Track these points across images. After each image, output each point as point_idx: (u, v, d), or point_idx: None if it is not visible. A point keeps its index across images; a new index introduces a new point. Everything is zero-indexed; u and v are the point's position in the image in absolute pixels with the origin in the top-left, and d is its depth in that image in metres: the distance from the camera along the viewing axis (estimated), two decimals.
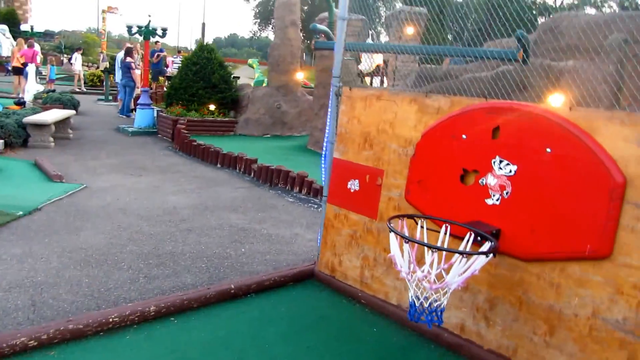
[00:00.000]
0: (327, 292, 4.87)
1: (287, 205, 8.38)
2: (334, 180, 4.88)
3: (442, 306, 3.27)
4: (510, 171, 3.42)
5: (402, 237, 3.10)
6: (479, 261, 3.14)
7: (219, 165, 11.43)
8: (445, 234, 3.49)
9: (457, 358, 3.83)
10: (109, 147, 13.05)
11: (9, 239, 6.06)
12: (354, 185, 4.65)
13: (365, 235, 4.59)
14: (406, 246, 3.12)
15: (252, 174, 10.39)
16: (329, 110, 4.85)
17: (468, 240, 3.42)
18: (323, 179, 5.27)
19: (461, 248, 3.42)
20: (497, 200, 3.53)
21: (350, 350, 3.86)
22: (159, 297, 4.47)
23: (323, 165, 5.17)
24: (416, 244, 3.13)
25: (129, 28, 15.07)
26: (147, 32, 14.96)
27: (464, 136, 3.68)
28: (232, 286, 4.64)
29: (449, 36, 7.88)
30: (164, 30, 15.20)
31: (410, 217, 3.63)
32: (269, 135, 15.04)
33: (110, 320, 3.97)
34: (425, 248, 3.15)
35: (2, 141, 11.16)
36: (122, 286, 4.86)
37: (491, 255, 3.12)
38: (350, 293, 4.74)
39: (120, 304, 4.47)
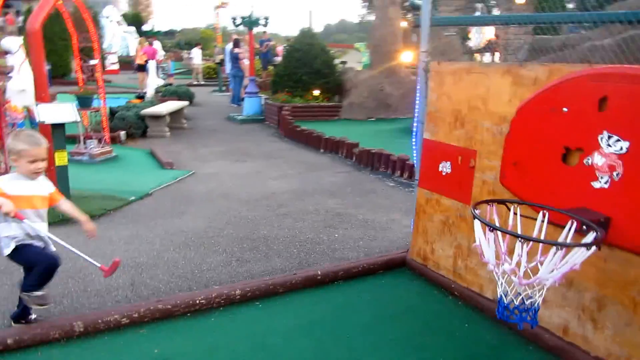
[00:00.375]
0: (418, 282, 4.61)
1: (387, 189, 8.14)
2: (425, 162, 4.58)
3: (536, 305, 2.90)
4: (621, 149, 2.93)
5: (486, 224, 2.77)
6: (580, 254, 2.72)
7: (321, 150, 11.43)
8: (543, 221, 3.08)
9: None
10: (218, 135, 13.61)
11: (120, 222, 6.47)
12: (445, 167, 4.32)
13: (458, 222, 4.26)
14: (491, 235, 2.79)
15: (354, 158, 10.25)
16: (418, 87, 4.55)
17: (570, 230, 3.00)
18: (414, 161, 4.98)
19: (561, 238, 3.00)
20: (605, 183, 3.05)
21: (437, 345, 3.60)
22: (245, 281, 4.49)
23: (414, 147, 4.88)
24: (507, 234, 2.78)
25: (233, 20, 15.57)
26: (250, 22, 15.34)
27: (565, 109, 3.23)
28: (319, 272, 4.54)
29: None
30: (267, 19, 15.48)
31: (500, 202, 3.26)
32: (373, 119, 14.80)
33: (197, 302, 4.05)
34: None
35: (124, 132, 12.07)
36: (214, 269, 4.96)
37: (594, 248, 2.69)
38: (443, 284, 4.44)
39: (210, 286, 4.56)
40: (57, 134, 6.22)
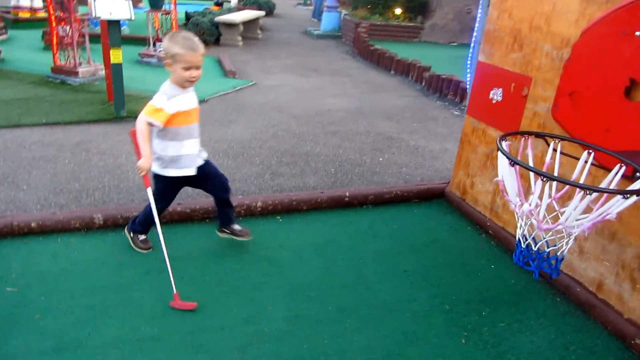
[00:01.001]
0: (453, 216, 4.29)
1: (450, 118, 7.64)
2: (476, 88, 4.12)
3: (561, 254, 2.55)
4: None
5: (507, 157, 2.40)
6: (618, 203, 2.31)
7: (392, 72, 10.90)
8: (587, 162, 2.66)
9: (585, 320, 3.07)
10: (291, 48, 13.30)
11: None
12: (496, 95, 3.86)
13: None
14: (513, 170, 2.42)
15: (423, 82, 9.68)
16: (480, 4, 4.01)
17: (616, 174, 2.56)
18: (467, 87, 4.51)
19: (604, 183, 2.59)
20: None
21: (453, 283, 3.35)
22: (268, 195, 4.38)
23: (468, 71, 4.40)
24: (528, 169, 2.40)
25: None
26: None
27: (638, 33, 2.68)
28: (347, 194, 4.34)
29: None
30: None
31: (538, 135, 2.83)
32: (455, 44, 13.85)
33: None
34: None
35: (196, 38, 12.01)
36: (245, 179, 4.88)
37: (634, 197, 2.27)
38: (478, 220, 4.11)
39: (236, 195, 4.48)
40: (113, 30, 6.19)
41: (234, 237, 3.56)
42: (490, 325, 2.97)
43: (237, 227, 3.55)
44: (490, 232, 3.97)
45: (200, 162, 3.27)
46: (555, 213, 2.55)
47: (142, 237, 3.52)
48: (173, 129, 3.04)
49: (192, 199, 4.34)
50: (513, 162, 2.35)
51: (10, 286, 3.07)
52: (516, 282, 3.41)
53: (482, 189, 4.08)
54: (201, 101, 7.57)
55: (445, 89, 8.88)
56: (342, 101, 8.22)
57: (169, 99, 2.94)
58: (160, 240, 3.13)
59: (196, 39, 2.96)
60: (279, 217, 4.10)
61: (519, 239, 2.60)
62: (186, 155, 3.16)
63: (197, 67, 2.93)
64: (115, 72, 6.34)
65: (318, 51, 13.15)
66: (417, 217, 4.25)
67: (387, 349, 2.73)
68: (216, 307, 2.98)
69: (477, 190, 4.15)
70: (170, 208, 3.86)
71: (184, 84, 2.97)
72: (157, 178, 3.23)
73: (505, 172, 2.49)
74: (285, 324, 2.89)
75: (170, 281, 3.01)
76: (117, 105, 6.46)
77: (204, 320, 2.87)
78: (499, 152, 2.49)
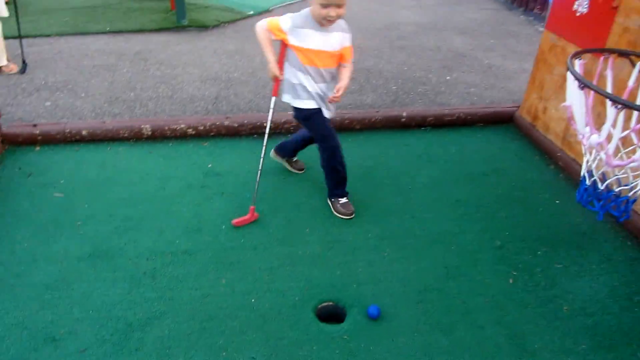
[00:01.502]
0: (520, 144, 3.92)
1: (533, 35, 6.91)
2: None
3: (634, 194, 2.20)
4: None
5: (576, 77, 2.02)
6: None
7: None
8: None
9: None
10: None
11: (231, 35, 6.32)
12: (581, 6, 3.34)
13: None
14: (582, 94, 2.05)
15: None
16: None
17: None
18: None
19: None
20: None
21: (509, 219, 3.07)
22: None
23: None
24: (598, 92, 2.02)
25: None
26: None
27: None
28: (404, 114, 4.04)
29: None
30: None
31: (621, 53, 2.38)
32: None
33: (265, 124, 3.83)
34: None
35: None
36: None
37: None
38: (548, 150, 3.72)
39: (285, 111, 4.30)
40: None
41: (286, 166, 3.41)
42: (544, 266, 2.71)
43: (295, 159, 3.39)
44: (560, 163, 3.59)
45: (327, 113, 2.94)
46: (632, 147, 2.18)
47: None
48: (297, 61, 2.76)
49: (238, 111, 4.22)
50: (583, 85, 1.98)
51: (58, 191, 3.13)
52: (582, 221, 3.08)
53: (556, 115, 3.65)
54: (265, 11, 7.29)
55: (531, 2, 8.01)
56: (415, 14, 7.64)
57: (294, 28, 2.66)
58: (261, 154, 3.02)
59: None
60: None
61: (584, 174, 2.27)
62: (321, 94, 2.87)
63: (338, 5, 2.51)
64: None
65: None
66: (479, 143, 3.91)
67: (425, 282, 2.56)
68: (252, 226, 2.90)
69: (550, 116, 3.73)
70: (217, 122, 3.76)
71: (321, 22, 2.59)
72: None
73: (574, 96, 2.13)
74: (321, 248, 2.77)
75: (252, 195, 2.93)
76: (179, 13, 6.31)
77: (239, 238, 2.81)
78: (568, 72, 2.11)
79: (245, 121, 3.82)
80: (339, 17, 2.56)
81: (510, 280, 2.60)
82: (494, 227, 2.98)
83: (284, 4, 7.63)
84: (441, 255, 2.74)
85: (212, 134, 3.79)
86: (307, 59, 2.70)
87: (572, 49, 3.42)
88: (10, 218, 2.88)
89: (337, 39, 2.69)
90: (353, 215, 2.98)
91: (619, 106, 1.88)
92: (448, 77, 5.20)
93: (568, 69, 2.09)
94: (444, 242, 2.84)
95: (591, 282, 2.62)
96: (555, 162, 3.63)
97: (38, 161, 3.42)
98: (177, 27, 6.30)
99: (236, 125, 3.80)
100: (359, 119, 3.97)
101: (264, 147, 2.99)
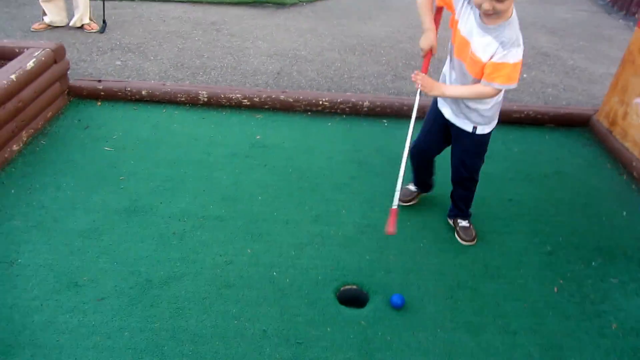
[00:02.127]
0: (593, 150, 3.59)
1: (629, 40, 6.34)
2: None
3: None
4: None
5: None
6: None
7: None
8: None
9: None
10: None
11: (307, 14, 6.27)
12: None
13: None
14: None
15: None
16: None
17: None
18: None
19: None
20: None
21: (565, 225, 2.82)
22: (378, 95, 4.04)
23: None
24: None
25: None
26: None
27: None
28: None
29: None
30: None
31: None
32: None
33: (321, 102, 3.77)
34: None
35: None
36: (365, 77, 4.55)
37: None
38: (623, 158, 3.39)
39: (348, 91, 4.20)
40: None
41: (455, 235, 2.66)
42: (597, 279, 2.45)
43: (463, 223, 2.64)
44: (634, 174, 3.26)
45: (447, 113, 2.41)
46: None
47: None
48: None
49: (298, 87, 4.16)
50: None
51: (109, 146, 3.20)
52: None
53: (636, 121, 3.31)
54: None
55: (634, 6, 7.38)
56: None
57: (463, 2, 2.12)
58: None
59: None
60: (385, 121, 3.75)
61: None
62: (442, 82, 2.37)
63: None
64: None
65: None
66: (546, 144, 3.63)
67: (459, 279, 2.39)
68: (289, 202, 2.84)
69: (630, 122, 3.38)
70: (273, 95, 3.72)
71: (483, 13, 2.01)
72: None
73: None
74: (355, 230, 2.65)
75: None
76: None
77: (272, 211, 2.75)
78: None
79: (301, 97, 3.75)
80: (497, 13, 1.95)
81: (555, 289, 2.38)
82: (547, 231, 2.74)
83: None
84: (482, 254, 2.55)
85: (266, 106, 3.75)
86: (455, 44, 2.21)
87: None
88: (60, 165, 2.97)
89: (487, 45, 2.04)
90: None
91: None
92: (525, 75, 4.88)
93: None
94: (487, 240, 2.64)
95: None
96: (629, 172, 3.30)
97: (97, 115, 3.52)
98: (256, 3, 6.32)
99: (291, 100, 3.73)
100: (419, 106, 3.78)
101: (408, 137, 2.39)
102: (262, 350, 2.00)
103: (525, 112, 3.80)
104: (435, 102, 2.50)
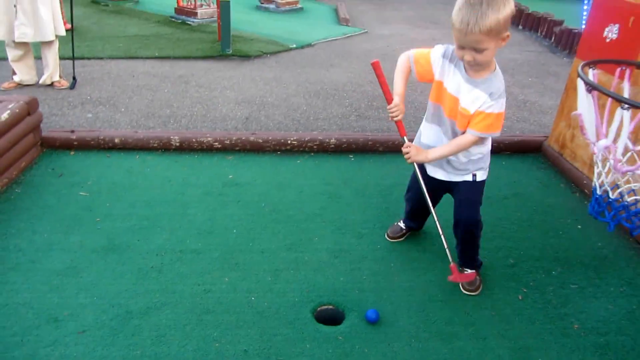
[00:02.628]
0: (546, 172, 3.83)
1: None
2: (590, 26, 3.57)
3: None
4: None
5: (586, 81, 2.00)
6: None
7: (519, 27, 10.00)
8: None
9: None
10: (415, 0, 12.70)
11: (270, 64, 6.54)
12: (611, 32, 3.31)
13: (613, 106, 3.30)
14: (591, 99, 2.02)
15: (553, 38, 8.76)
16: None
17: None
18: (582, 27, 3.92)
19: None
20: None
21: (526, 240, 2.99)
22: (344, 132, 4.23)
23: (584, 12, 3.81)
24: (607, 95, 1.99)
25: None
26: None
27: None
28: None
29: None
30: None
31: (619, 63, 2.34)
32: None
33: (289, 142, 3.93)
34: None
35: (481, 11, 11.88)
36: (330, 119, 4.76)
37: None
38: (574, 178, 3.63)
39: (319, 131, 4.38)
40: None
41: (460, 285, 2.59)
42: (558, 286, 2.60)
43: (467, 271, 2.58)
44: (585, 191, 3.48)
45: (442, 176, 2.43)
46: (618, 146, 2.10)
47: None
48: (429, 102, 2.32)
49: (267, 130, 4.32)
50: (590, 88, 1.96)
51: (84, 191, 3.26)
52: (603, 245, 2.96)
53: (583, 142, 3.57)
54: (307, 45, 7.50)
55: (576, 45, 7.92)
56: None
57: (442, 56, 2.16)
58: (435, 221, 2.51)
59: (483, 8, 1.87)
60: (351, 156, 3.93)
61: (595, 185, 2.21)
62: (424, 144, 2.38)
63: (475, 50, 1.94)
64: (223, 9, 6.46)
65: (444, 4, 12.42)
66: (503, 170, 3.85)
67: (429, 294, 2.51)
68: (263, 233, 2.93)
69: (577, 143, 3.65)
70: (243, 137, 3.87)
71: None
72: None
73: (584, 102, 2.10)
74: (328, 256, 2.76)
75: (446, 253, 2.50)
76: (224, 43, 6.60)
77: (247, 242, 2.84)
78: (578, 80, 2.09)
79: (270, 138, 3.91)
80: (478, 63, 2.00)
81: (520, 297, 2.51)
82: (509, 246, 2.90)
83: (328, 39, 7.85)
84: (448, 271, 2.67)
85: (237, 148, 3.89)
86: (439, 98, 2.23)
87: (602, 76, 3.37)
88: (36, 210, 3.02)
89: (477, 98, 2.08)
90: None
91: (626, 106, 1.84)
92: None
93: (578, 75, 2.07)
94: (454, 258, 2.77)
95: (607, 303, 2.49)
96: (581, 190, 3.53)
97: (71, 164, 3.60)
98: (222, 56, 6.58)
99: (261, 141, 3.89)
100: (382, 141, 4.00)
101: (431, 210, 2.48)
102: None
103: None
104: (422, 169, 2.47)
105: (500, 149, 4.06)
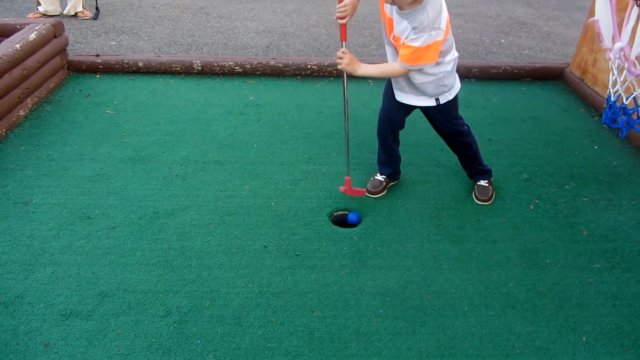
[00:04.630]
0: (566, 98, 3.81)
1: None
2: None
3: None
4: None
5: None
6: None
7: None
8: None
9: None
10: None
11: None
12: None
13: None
14: (608, 2, 2.02)
15: None
16: None
17: None
18: None
19: None
20: None
21: (540, 158, 3.02)
22: (364, 59, 4.22)
23: None
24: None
25: None
26: None
27: None
28: None
29: None
30: None
31: None
32: None
33: (309, 66, 3.96)
34: None
35: None
36: (351, 47, 4.76)
37: None
38: (594, 102, 3.61)
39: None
40: None
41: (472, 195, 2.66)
42: (570, 198, 2.66)
43: (482, 182, 2.65)
44: None
45: (405, 100, 2.37)
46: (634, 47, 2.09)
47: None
48: None
49: (285, 55, 4.35)
50: None
51: (110, 110, 3.37)
52: (619, 164, 2.98)
53: (605, 66, 3.54)
54: None
55: None
56: None
57: None
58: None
59: None
60: (370, 81, 3.95)
61: (610, 92, 2.22)
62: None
63: None
64: None
65: None
66: (523, 95, 3.84)
67: (443, 202, 2.60)
68: (283, 147, 3.02)
69: (599, 67, 3.61)
70: (263, 61, 3.91)
71: None
72: None
73: (601, 6, 2.09)
74: (345, 168, 2.84)
75: (347, 165, 2.60)
76: None
77: (267, 155, 2.94)
78: None
79: (290, 62, 3.94)
80: (394, 2, 1.99)
81: (531, 207, 2.58)
82: (524, 163, 2.95)
83: None
84: (463, 183, 2.75)
85: (257, 72, 3.94)
86: (382, 13, 2.19)
87: None
88: (66, 126, 3.15)
89: (404, 29, 2.06)
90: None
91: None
92: (503, 40, 5.10)
93: None
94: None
95: (618, 215, 2.55)
96: (600, 114, 3.51)
97: (97, 86, 3.70)
98: None
99: (281, 65, 3.93)
100: None
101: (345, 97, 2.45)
102: (264, 262, 2.18)
103: (503, 68, 4.01)
104: (391, 94, 2.43)
105: (520, 75, 4.03)
